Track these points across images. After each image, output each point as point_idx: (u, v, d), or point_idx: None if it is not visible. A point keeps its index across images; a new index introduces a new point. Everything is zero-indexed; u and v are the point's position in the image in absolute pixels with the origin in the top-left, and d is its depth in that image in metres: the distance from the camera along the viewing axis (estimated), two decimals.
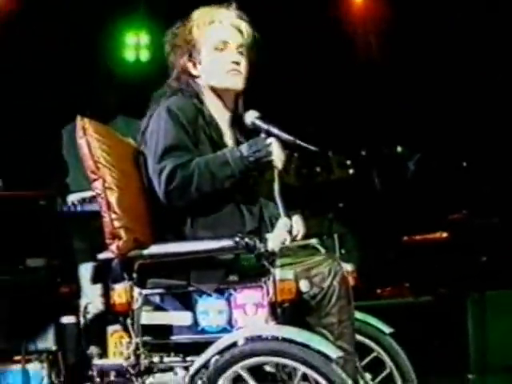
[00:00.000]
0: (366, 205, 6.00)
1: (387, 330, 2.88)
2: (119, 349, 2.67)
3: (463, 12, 6.75)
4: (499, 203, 5.77)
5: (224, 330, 2.51)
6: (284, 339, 2.35)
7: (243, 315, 2.51)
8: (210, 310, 2.55)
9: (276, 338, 2.36)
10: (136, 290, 2.59)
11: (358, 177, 6.33)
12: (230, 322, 2.52)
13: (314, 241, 2.95)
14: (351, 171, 6.43)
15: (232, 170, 2.58)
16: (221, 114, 2.81)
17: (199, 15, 2.83)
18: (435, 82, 6.91)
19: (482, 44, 6.73)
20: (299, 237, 2.87)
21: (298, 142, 2.62)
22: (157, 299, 2.64)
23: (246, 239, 2.43)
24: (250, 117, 2.73)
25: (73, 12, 5.99)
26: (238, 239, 2.43)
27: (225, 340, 2.43)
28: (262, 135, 2.65)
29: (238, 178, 2.60)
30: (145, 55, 6.76)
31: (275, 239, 2.45)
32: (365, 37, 7.30)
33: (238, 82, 2.79)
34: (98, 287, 4.01)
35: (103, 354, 2.70)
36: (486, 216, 5.54)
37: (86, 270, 4.18)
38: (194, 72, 2.80)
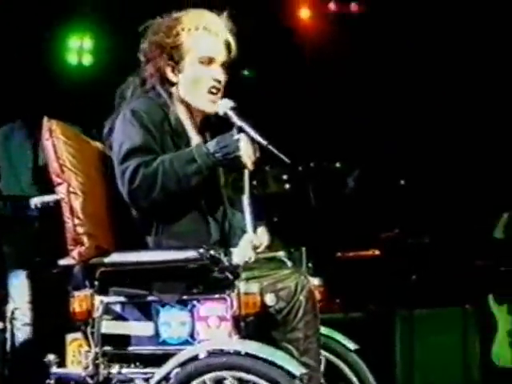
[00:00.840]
0: (300, 220, 5.99)
1: (352, 346, 2.84)
2: (78, 358, 2.59)
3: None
4: (430, 223, 5.88)
5: (186, 343, 2.46)
6: (246, 354, 2.30)
7: (206, 328, 2.45)
8: (172, 321, 2.49)
9: (238, 353, 2.31)
10: (97, 298, 2.53)
11: (294, 192, 6.33)
12: (192, 334, 2.47)
13: (281, 253, 2.90)
14: (287, 186, 6.44)
15: (198, 166, 2.50)
16: (190, 120, 2.74)
17: (190, 19, 2.73)
18: (376, 98, 6.99)
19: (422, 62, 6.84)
20: (261, 248, 2.82)
21: (270, 147, 2.55)
22: (118, 308, 2.57)
23: (212, 251, 2.38)
24: (224, 106, 2.65)
25: (16, 14, 5.91)
26: (202, 251, 2.37)
27: (186, 353, 2.37)
28: (233, 131, 2.58)
29: (205, 176, 2.52)
30: (87, 59, 6.74)
31: (240, 254, 2.39)
32: (311, 52, 7.32)
33: (213, 108, 2.70)
34: (26, 293, 3.96)
35: (61, 362, 2.63)
36: (417, 235, 5.65)
37: (14, 276, 4.14)
38: (171, 77, 2.72)
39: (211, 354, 2.33)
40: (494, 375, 5.04)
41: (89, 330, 2.52)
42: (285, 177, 6.34)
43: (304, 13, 7.32)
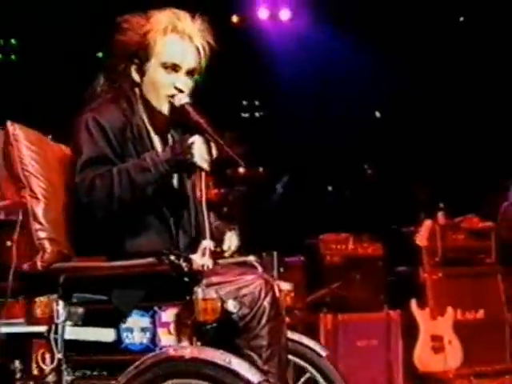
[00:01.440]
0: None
1: (323, 352, 2.81)
2: (41, 364, 2.57)
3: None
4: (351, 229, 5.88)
5: (147, 349, 2.43)
6: (204, 361, 2.26)
7: (167, 334, 2.42)
8: (134, 327, 2.46)
9: (196, 360, 2.27)
10: (60, 304, 2.50)
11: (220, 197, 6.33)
12: (153, 340, 2.44)
13: (251, 258, 2.88)
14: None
15: (152, 175, 2.48)
16: (153, 122, 2.71)
17: (161, 19, 2.66)
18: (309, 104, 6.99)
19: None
20: (228, 253, 2.79)
21: (226, 148, 2.52)
22: (81, 314, 2.54)
23: (171, 257, 2.35)
24: (180, 100, 2.62)
25: None
26: (161, 257, 2.35)
27: (145, 359, 2.33)
28: (187, 136, 2.54)
29: (159, 184, 2.50)
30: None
31: (199, 260, 2.36)
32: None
33: (173, 111, 2.64)
34: None
35: (25, 369, 2.61)
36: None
37: None
38: (134, 77, 2.69)
39: (170, 360, 2.30)
40: (416, 380, 5.06)
41: (52, 335, 2.50)
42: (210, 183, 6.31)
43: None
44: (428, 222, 5.22)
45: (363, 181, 6.93)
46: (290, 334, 2.73)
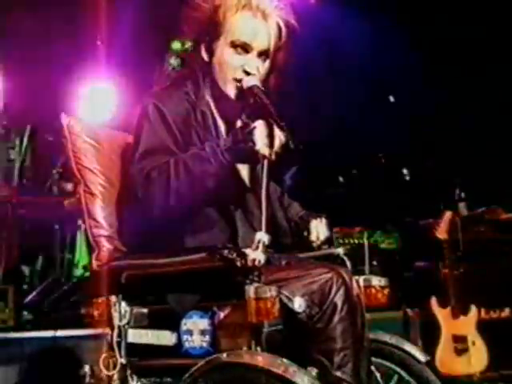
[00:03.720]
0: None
1: (423, 358, 2.44)
2: (104, 370, 2.42)
3: None
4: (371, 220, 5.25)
5: (206, 353, 2.20)
6: (258, 368, 2.00)
7: (226, 337, 2.18)
8: (193, 329, 2.24)
9: (248, 367, 2.02)
10: (123, 305, 2.34)
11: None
12: (213, 343, 2.20)
13: (339, 250, 2.57)
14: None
15: (212, 166, 2.23)
16: (220, 107, 2.47)
17: None
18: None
19: None
20: (316, 244, 2.50)
21: (289, 135, 2.23)
22: (144, 316, 2.37)
23: (224, 251, 2.10)
24: (248, 82, 2.36)
25: None
26: (214, 252, 2.11)
27: (200, 366, 2.11)
28: (249, 122, 2.29)
29: (220, 175, 2.25)
30: None
31: (254, 254, 2.09)
32: None
33: (241, 96, 2.40)
34: None
35: (94, 374, 2.48)
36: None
37: None
38: (204, 56, 2.46)
39: (222, 368, 2.06)
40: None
41: (115, 339, 2.34)
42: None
43: None
44: (448, 214, 4.68)
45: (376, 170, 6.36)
46: (379, 336, 2.41)
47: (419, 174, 6.06)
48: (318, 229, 2.56)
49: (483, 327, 4.55)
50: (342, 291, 2.19)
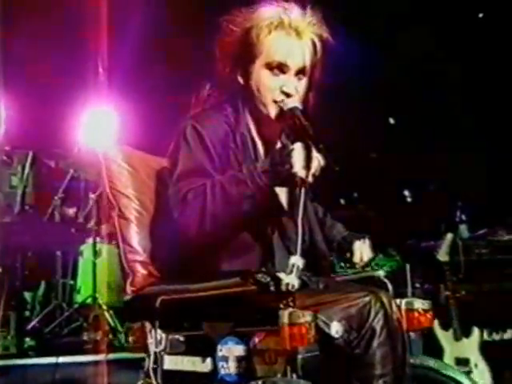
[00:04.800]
0: None
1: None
2: None
3: None
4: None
5: (242, 380, 2.15)
6: None
7: (262, 363, 2.13)
8: (229, 355, 2.19)
9: None
10: (159, 331, 2.31)
11: None
12: (248, 370, 2.15)
13: (380, 272, 2.49)
14: None
15: (249, 189, 2.17)
16: (260, 130, 2.43)
17: (264, 14, 2.38)
18: None
19: None
20: (359, 265, 2.44)
21: (328, 156, 2.17)
22: (180, 342, 2.33)
23: (258, 276, 2.05)
24: (288, 104, 2.31)
25: None
26: (247, 276, 2.06)
27: None
28: (288, 143, 2.25)
29: (257, 198, 2.19)
30: None
31: (288, 279, 2.03)
32: None
33: (281, 118, 2.34)
34: None
35: None
36: None
37: None
38: (240, 80, 2.42)
39: None
40: None
41: (151, 365, 2.31)
42: None
43: None
44: (449, 236, 4.54)
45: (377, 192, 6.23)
46: (422, 360, 2.32)
47: (421, 196, 5.96)
48: (362, 250, 2.50)
49: (486, 349, 4.45)
50: (380, 315, 2.12)
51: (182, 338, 2.31)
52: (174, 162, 2.32)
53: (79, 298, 5.20)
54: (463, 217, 5.13)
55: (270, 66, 2.36)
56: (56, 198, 5.34)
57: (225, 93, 2.47)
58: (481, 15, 6.57)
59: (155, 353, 2.31)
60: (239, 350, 2.17)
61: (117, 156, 2.43)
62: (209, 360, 2.24)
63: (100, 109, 5.65)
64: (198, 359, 2.27)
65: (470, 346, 4.49)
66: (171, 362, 2.31)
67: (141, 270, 2.32)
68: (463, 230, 5.08)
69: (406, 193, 5.82)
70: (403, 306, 2.28)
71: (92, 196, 5.20)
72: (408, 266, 2.83)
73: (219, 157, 2.31)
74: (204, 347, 2.25)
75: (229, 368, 2.18)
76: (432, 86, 6.40)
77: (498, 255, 4.93)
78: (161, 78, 6.07)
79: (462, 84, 6.42)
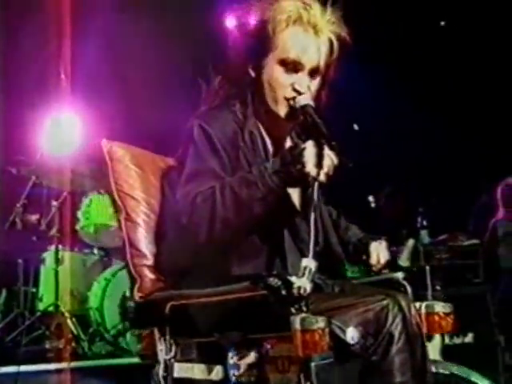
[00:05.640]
0: None
1: None
2: None
3: None
4: None
5: None
6: None
7: (275, 371, 2.04)
8: (241, 363, 2.10)
9: None
10: (168, 338, 2.23)
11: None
12: (261, 378, 2.06)
13: (399, 275, 2.39)
14: None
15: (259, 190, 2.08)
16: (270, 128, 2.34)
17: (283, 7, 2.27)
18: None
19: None
20: (376, 268, 2.34)
21: (342, 156, 2.07)
22: (190, 349, 2.25)
23: (269, 279, 1.95)
24: (300, 101, 2.22)
25: None
26: (257, 280, 1.97)
27: None
28: (299, 142, 2.16)
29: (269, 200, 2.09)
30: None
31: (300, 282, 1.93)
32: None
33: (292, 115, 2.26)
34: None
35: None
36: None
37: None
38: (252, 74, 2.32)
39: None
40: None
41: (160, 373, 2.23)
42: None
43: None
44: (411, 242, 4.40)
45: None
46: (445, 366, 2.22)
47: (382, 202, 5.86)
48: (379, 251, 2.40)
49: (447, 353, 4.37)
50: (398, 319, 2.02)
51: (192, 345, 2.23)
52: (182, 163, 2.24)
53: (41, 306, 5.09)
54: (424, 222, 5.10)
55: (284, 63, 2.26)
56: (18, 205, 5.25)
57: (235, 85, 2.38)
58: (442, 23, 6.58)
59: (165, 360, 2.22)
60: (251, 357, 2.08)
61: (124, 156, 2.35)
62: (220, 368, 2.16)
63: (62, 115, 5.55)
64: (208, 367, 2.19)
65: (431, 350, 4.41)
66: (181, 370, 2.23)
67: (149, 275, 2.23)
68: (424, 235, 5.08)
69: (370, 198, 5.70)
70: (423, 310, 2.19)
71: (54, 203, 5.13)
72: (428, 268, 2.72)
73: (228, 156, 2.22)
74: (215, 354, 2.17)
75: (241, 376, 2.09)
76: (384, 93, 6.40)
77: (457, 260, 4.91)
78: (123, 83, 6.03)
79: (415, 92, 6.37)
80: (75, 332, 4.75)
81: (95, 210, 5.26)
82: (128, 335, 4.76)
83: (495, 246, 5.29)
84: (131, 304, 2.24)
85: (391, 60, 6.52)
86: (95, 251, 5.40)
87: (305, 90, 2.25)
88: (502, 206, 5.56)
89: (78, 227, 5.30)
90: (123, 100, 5.95)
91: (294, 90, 2.25)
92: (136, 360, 4.62)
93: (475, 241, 5.06)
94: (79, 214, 5.29)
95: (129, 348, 4.76)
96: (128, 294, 4.72)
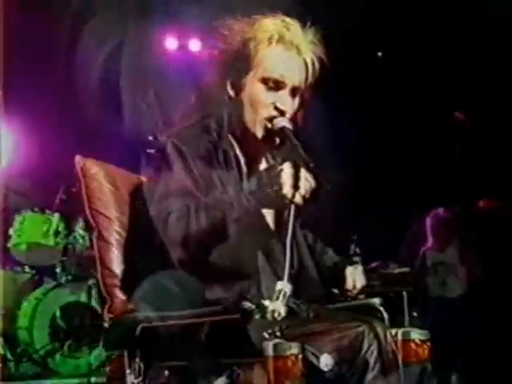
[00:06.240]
0: None
1: None
2: None
3: None
4: None
5: None
6: None
7: None
8: None
9: None
10: (137, 361, 2.16)
11: None
12: None
13: (375, 300, 2.35)
14: None
15: (235, 212, 2.04)
16: (248, 148, 2.30)
17: (265, 26, 2.25)
18: None
19: None
20: (352, 293, 2.30)
21: (321, 178, 2.04)
22: (161, 374, 2.18)
23: (242, 303, 1.90)
24: (279, 123, 2.20)
25: None
26: (230, 304, 1.92)
27: None
28: (275, 164, 2.12)
29: (244, 222, 2.05)
30: None
31: (273, 306, 1.88)
32: None
33: (269, 137, 2.23)
34: None
35: None
36: None
37: None
38: (230, 92, 2.29)
39: None
40: None
41: None
42: None
43: None
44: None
45: None
46: None
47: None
48: (355, 276, 2.36)
49: None
50: (374, 347, 1.98)
51: (163, 369, 2.17)
52: (154, 181, 2.19)
53: None
54: (357, 250, 5.11)
55: (265, 81, 2.24)
56: None
57: (211, 105, 2.35)
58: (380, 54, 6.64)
59: None
60: (222, 382, 2.02)
61: (97, 173, 2.30)
62: None
63: None
64: None
65: None
66: None
67: (120, 296, 2.18)
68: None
69: None
70: (399, 337, 2.14)
71: None
72: (405, 294, 2.69)
73: (201, 175, 2.18)
74: (186, 379, 2.12)
75: None
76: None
77: (388, 288, 4.91)
78: (59, 97, 5.99)
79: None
80: (2, 352, 4.63)
81: (28, 228, 5.12)
82: (57, 356, 4.68)
83: (424, 275, 5.36)
84: (104, 324, 2.18)
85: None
86: (27, 269, 5.27)
87: (287, 108, 2.23)
88: (430, 235, 5.63)
89: (9, 245, 5.16)
90: (58, 114, 5.91)
91: (276, 108, 2.22)
92: (65, 381, 4.58)
93: (406, 269, 5.07)
94: (11, 232, 5.16)
95: (57, 369, 4.68)
96: (58, 314, 4.78)
